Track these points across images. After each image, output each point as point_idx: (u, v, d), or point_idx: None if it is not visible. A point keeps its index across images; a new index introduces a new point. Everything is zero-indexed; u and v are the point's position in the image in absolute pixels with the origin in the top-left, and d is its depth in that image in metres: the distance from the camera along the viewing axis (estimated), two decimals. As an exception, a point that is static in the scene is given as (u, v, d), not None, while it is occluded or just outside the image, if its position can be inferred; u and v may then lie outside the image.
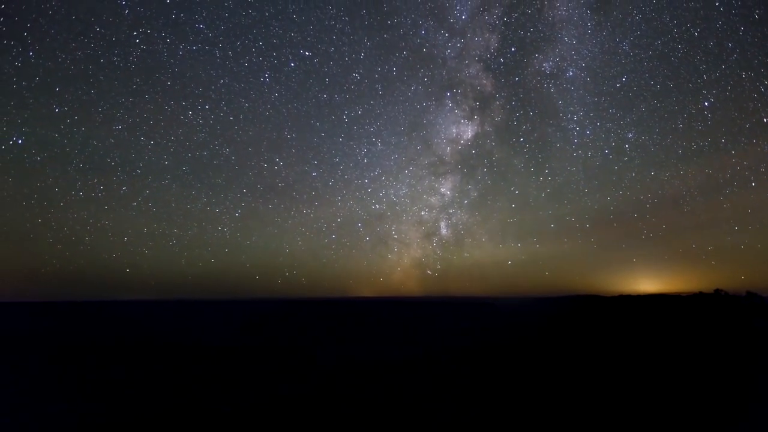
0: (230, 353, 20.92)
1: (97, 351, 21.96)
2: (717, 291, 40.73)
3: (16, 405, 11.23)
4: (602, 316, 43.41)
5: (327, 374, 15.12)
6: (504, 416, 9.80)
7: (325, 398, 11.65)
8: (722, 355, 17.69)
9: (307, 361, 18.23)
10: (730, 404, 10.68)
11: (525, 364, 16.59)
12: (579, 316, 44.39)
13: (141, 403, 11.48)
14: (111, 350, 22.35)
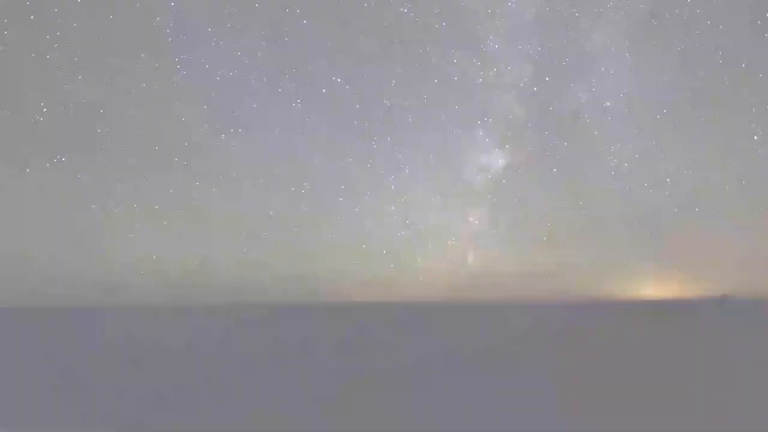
0: (228, 358, 20.53)
1: (92, 359, 21.57)
2: (724, 296, 40.31)
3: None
4: (606, 321, 42.90)
5: (325, 380, 14.77)
6: (502, 423, 9.41)
7: (321, 404, 11.29)
8: (728, 362, 17.26)
9: (303, 367, 17.85)
10: (736, 413, 10.28)
11: (526, 370, 16.19)
12: (582, 322, 43.87)
13: (137, 410, 11.10)
14: (107, 357, 21.96)
